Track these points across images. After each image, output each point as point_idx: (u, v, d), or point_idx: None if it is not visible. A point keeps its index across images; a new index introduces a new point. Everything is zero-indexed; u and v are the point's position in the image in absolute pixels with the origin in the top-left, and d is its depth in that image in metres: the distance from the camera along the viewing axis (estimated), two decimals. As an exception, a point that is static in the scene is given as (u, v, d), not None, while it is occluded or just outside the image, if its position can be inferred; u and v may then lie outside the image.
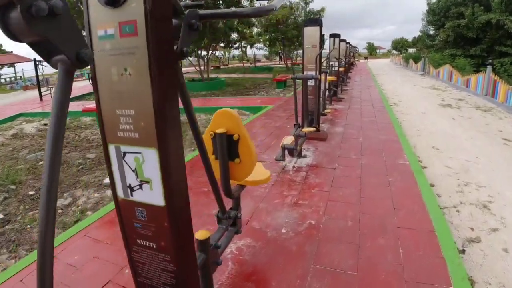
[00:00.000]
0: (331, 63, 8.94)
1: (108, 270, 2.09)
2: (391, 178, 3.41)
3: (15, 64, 28.68)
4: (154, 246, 1.19)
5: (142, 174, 1.09)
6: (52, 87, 14.51)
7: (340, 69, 9.95)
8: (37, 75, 13.32)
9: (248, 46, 29.58)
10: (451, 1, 22.95)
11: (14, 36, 0.57)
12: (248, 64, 31.11)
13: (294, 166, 3.81)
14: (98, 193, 4.02)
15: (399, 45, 66.40)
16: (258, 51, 28.96)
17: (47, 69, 14.61)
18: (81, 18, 10.60)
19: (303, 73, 4.80)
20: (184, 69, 27.24)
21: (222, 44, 16.77)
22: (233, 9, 1.10)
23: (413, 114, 7.85)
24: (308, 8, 20.39)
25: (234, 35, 16.70)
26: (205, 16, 1.12)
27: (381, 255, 2.13)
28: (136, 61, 0.93)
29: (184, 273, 1.18)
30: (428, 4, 26.54)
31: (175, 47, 1.03)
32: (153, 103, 0.94)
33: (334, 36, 8.78)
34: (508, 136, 5.72)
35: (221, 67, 29.99)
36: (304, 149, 4.45)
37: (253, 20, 17.34)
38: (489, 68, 10.22)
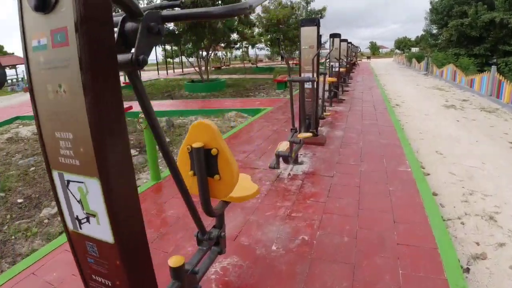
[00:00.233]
0: (331, 63, 8.75)
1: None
2: (391, 187, 3.23)
3: (17, 66, 28.70)
4: (110, 284, 1.04)
5: (88, 206, 0.93)
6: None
7: (341, 69, 9.76)
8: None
9: (250, 47, 29.39)
10: (454, 0, 22.66)
11: None
12: (250, 64, 30.95)
13: (289, 174, 3.64)
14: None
15: (402, 45, 66.00)
16: (260, 51, 28.79)
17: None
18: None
19: (300, 75, 4.62)
20: (185, 70, 27.16)
21: (222, 45, 16.61)
22: (203, 9, 0.93)
23: (416, 115, 7.64)
24: (309, 8, 20.21)
25: (235, 36, 16.54)
26: (168, 17, 0.95)
27: (378, 277, 1.96)
28: (70, 75, 0.77)
29: None
30: (431, 3, 26.29)
31: (131, 55, 0.86)
32: (90, 125, 0.78)
33: (334, 36, 8.58)
34: (514, 139, 5.52)
35: (223, 67, 29.84)
36: (301, 154, 4.28)
37: (254, 20, 17.20)
38: (493, 68, 9.98)
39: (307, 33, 4.39)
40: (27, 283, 2.09)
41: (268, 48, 27.71)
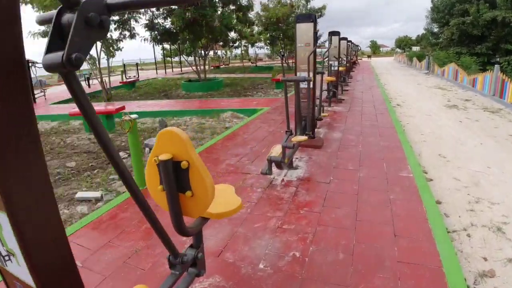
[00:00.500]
0: (330, 62, 8.52)
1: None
2: (392, 195, 3.00)
3: None
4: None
5: (6, 243, 0.75)
6: (46, 89, 14.22)
7: (341, 68, 9.52)
8: (30, 77, 13.02)
9: (250, 46, 29.11)
10: (456, -2, 22.41)
11: None
12: (249, 63, 30.67)
13: (283, 180, 3.41)
14: (68, 209, 3.65)
15: (403, 44, 65.65)
16: (259, 50, 28.48)
17: (40, 71, 14.30)
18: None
19: (295, 74, 4.39)
20: (184, 69, 26.92)
21: (220, 44, 16.36)
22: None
23: (417, 116, 7.41)
24: (309, 6, 19.92)
25: (233, 34, 16.29)
26: (115, 6, 0.74)
27: (377, 302, 1.74)
28: None
29: None
30: (432, 1, 26.00)
31: (63, 54, 0.65)
32: None
33: (333, 33, 8.33)
34: (520, 142, 5.28)
35: (222, 66, 29.57)
36: (296, 158, 4.05)
37: (253, 18, 16.93)
38: (496, 67, 9.73)
39: (303, 30, 4.15)
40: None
41: (268, 47, 27.49)
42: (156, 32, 12.17)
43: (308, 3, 19.89)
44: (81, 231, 2.76)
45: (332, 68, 8.54)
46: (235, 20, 13.96)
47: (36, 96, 12.41)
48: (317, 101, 5.40)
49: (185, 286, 1.60)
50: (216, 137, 5.55)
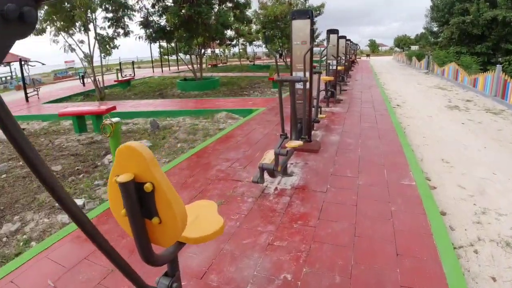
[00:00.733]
0: (328, 61, 8.28)
1: None
2: (394, 206, 2.78)
3: (11, 63, 28.07)
4: None
5: None
6: (40, 87, 13.93)
7: (339, 68, 9.29)
8: (22, 75, 12.73)
9: (248, 44, 28.81)
10: (456, -3, 22.20)
11: None
12: (247, 62, 30.38)
13: (276, 188, 3.19)
14: (48, 218, 3.43)
15: (402, 43, 65.40)
16: (257, 48, 28.22)
17: (33, 69, 14.02)
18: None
19: (291, 74, 4.16)
20: (181, 67, 26.62)
21: (217, 42, 16.10)
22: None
23: (418, 117, 7.19)
24: (307, 4, 19.68)
25: (230, 32, 16.05)
26: None
27: (378, 338, 1.52)
28: None
29: None
30: (432, 0, 25.77)
31: None
32: None
33: (331, 32, 8.09)
34: (525, 145, 5.07)
35: (219, 65, 29.27)
36: (291, 164, 3.83)
37: (251, 16, 16.67)
38: (498, 67, 9.51)
39: (299, 27, 3.92)
40: None
41: (265, 46, 27.22)
42: (151, 30, 11.90)
43: (307, 1, 19.64)
44: (58, 244, 2.54)
45: (331, 67, 8.30)
46: (232, 18, 13.70)
47: (28, 95, 12.13)
48: (314, 102, 5.18)
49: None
50: (208, 139, 5.32)
